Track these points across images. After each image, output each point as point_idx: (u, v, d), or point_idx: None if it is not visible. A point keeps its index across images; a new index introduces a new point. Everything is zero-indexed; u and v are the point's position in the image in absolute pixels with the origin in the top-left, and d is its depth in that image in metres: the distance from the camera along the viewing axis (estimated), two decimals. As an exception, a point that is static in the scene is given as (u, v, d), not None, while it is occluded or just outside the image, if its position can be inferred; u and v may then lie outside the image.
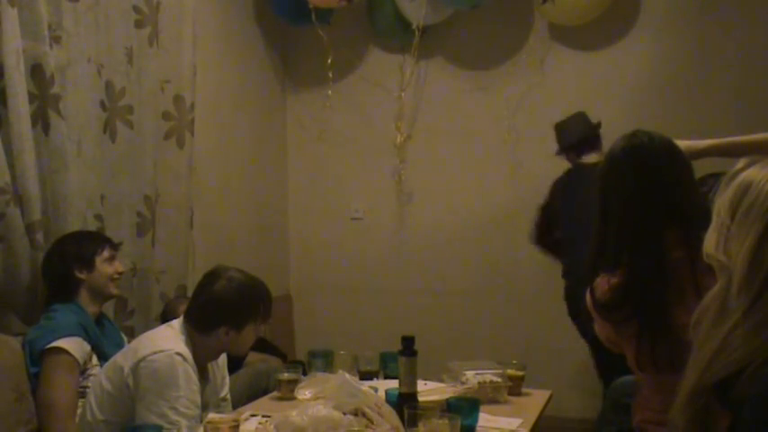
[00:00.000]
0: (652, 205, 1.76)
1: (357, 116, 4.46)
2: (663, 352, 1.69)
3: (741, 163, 1.29)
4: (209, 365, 2.26)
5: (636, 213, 1.77)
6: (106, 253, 2.53)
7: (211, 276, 2.22)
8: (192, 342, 2.15)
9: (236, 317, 2.16)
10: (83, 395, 2.31)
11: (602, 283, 1.77)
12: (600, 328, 1.83)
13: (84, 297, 2.48)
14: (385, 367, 2.62)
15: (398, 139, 4.32)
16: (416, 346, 2.02)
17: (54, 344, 2.30)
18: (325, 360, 2.64)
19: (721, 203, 1.27)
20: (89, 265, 2.48)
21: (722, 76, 3.78)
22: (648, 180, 1.78)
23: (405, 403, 1.91)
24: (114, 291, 2.58)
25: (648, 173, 1.79)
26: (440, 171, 4.30)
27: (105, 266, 2.52)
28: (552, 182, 3.44)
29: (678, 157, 1.84)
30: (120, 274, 2.58)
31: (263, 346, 3.29)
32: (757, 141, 2.14)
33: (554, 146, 3.55)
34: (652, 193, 1.77)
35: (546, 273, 3.61)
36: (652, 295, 1.71)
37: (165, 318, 2.79)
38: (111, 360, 2.20)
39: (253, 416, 2.11)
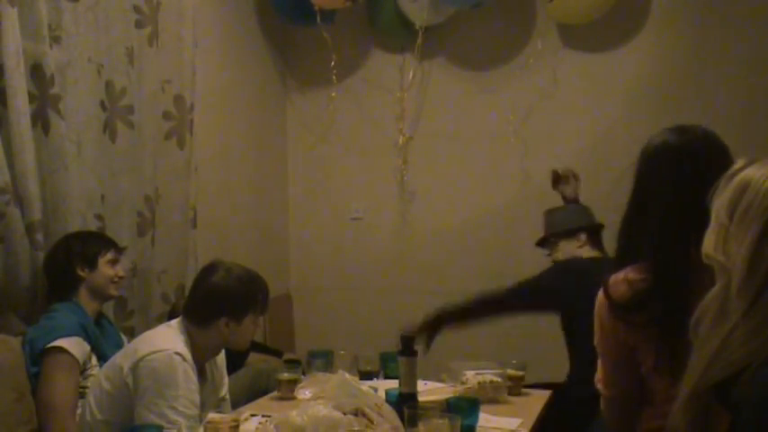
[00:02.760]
0: (689, 205, 1.60)
1: (358, 116, 4.46)
2: (682, 357, 1.61)
3: (740, 162, 1.29)
4: (207, 365, 2.26)
5: (672, 212, 1.65)
6: (110, 255, 2.55)
7: (208, 270, 2.22)
8: (191, 340, 2.15)
9: (236, 307, 2.16)
10: (82, 395, 2.31)
11: (620, 284, 1.67)
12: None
13: (83, 296, 2.49)
14: (385, 367, 2.62)
15: (400, 140, 4.32)
16: (416, 347, 2.02)
17: (54, 343, 2.30)
18: (325, 360, 2.63)
19: (720, 203, 1.27)
20: (91, 264, 2.50)
21: (728, 76, 3.77)
22: (690, 177, 1.64)
23: (405, 403, 1.91)
24: (114, 292, 2.59)
25: (691, 169, 1.65)
26: (441, 171, 4.29)
27: (107, 268, 2.53)
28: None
29: (722, 152, 1.69)
30: (120, 278, 2.59)
31: (259, 347, 3.28)
32: None
33: (558, 147, 3.53)
34: (691, 191, 1.60)
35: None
36: (677, 298, 1.60)
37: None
38: (111, 360, 2.20)
39: (253, 416, 2.11)
